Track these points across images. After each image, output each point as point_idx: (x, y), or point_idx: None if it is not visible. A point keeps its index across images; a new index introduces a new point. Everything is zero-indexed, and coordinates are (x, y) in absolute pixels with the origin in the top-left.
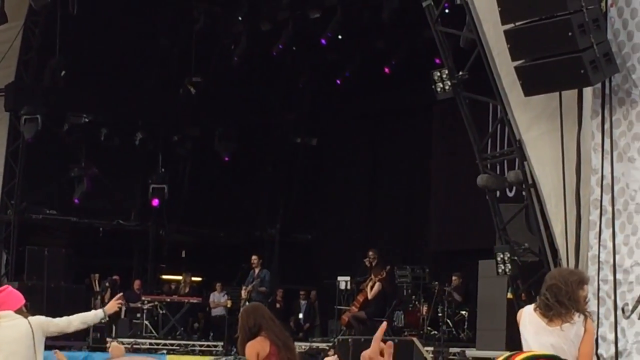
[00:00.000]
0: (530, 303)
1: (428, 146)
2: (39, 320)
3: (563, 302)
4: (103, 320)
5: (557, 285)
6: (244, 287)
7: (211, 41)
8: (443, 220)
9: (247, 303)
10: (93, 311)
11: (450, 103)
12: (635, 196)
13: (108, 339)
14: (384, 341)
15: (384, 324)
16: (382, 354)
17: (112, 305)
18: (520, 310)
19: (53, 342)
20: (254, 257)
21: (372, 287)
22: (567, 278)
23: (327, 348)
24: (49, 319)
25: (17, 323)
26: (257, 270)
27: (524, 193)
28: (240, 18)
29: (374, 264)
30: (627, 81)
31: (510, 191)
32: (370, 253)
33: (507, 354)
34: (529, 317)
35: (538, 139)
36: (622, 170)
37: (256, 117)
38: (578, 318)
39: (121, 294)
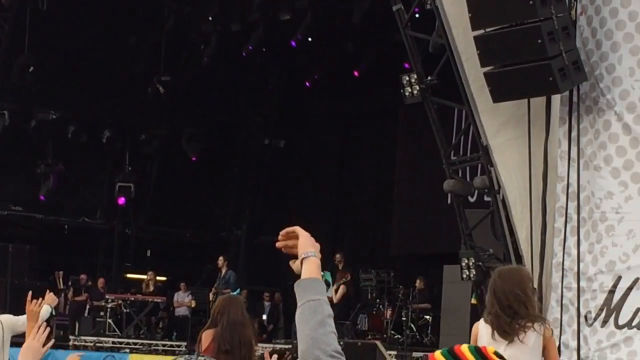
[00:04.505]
0: None
1: (393, 150)
2: (10, 319)
3: (520, 314)
4: (53, 314)
5: (514, 298)
6: (212, 289)
7: (181, 41)
8: (407, 224)
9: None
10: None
11: (414, 107)
12: (600, 204)
13: (71, 337)
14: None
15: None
16: None
17: (52, 298)
18: (475, 325)
19: (17, 339)
20: (220, 258)
21: (336, 291)
22: (520, 285)
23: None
24: (17, 317)
25: None
26: (223, 272)
27: (487, 199)
28: (210, 18)
29: (340, 267)
30: (594, 89)
31: (472, 197)
32: (337, 256)
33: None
34: (486, 336)
35: (505, 145)
36: (587, 179)
37: (224, 118)
38: (538, 327)
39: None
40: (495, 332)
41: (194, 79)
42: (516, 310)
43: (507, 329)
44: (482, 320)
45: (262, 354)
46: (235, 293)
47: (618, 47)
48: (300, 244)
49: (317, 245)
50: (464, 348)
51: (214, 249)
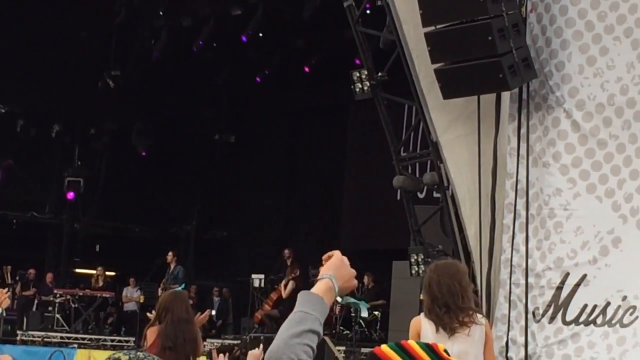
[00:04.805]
0: None
1: (344, 146)
2: None
3: (452, 308)
4: (4, 315)
5: (447, 290)
6: (160, 284)
7: (131, 35)
8: (357, 220)
9: None
10: None
11: (365, 103)
12: (548, 201)
13: (19, 332)
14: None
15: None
16: None
17: (6, 302)
18: (415, 320)
19: None
20: (169, 253)
21: (286, 286)
22: (454, 277)
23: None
24: None
25: None
26: (172, 267)
27: (436, 195)
28: (161, 13)
29: (289, 262)
30: (544, 87)
31: (422, 193)
32: (286, 251)
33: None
34: (431, 331)
35: (455, 141)
36: (536, 175)
37: (174, 113)
38: (480, 318)
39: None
40: (439, 327)
41: (144, 74)
42: (450, 304)
43: (447, 323)
44: (422, 315)
45: (210, 351)
46: (179, 288)
47: (567, 44)
48: (325, 265)
49: (352, 272)
50: (413, 344)
51: (163, 244)
